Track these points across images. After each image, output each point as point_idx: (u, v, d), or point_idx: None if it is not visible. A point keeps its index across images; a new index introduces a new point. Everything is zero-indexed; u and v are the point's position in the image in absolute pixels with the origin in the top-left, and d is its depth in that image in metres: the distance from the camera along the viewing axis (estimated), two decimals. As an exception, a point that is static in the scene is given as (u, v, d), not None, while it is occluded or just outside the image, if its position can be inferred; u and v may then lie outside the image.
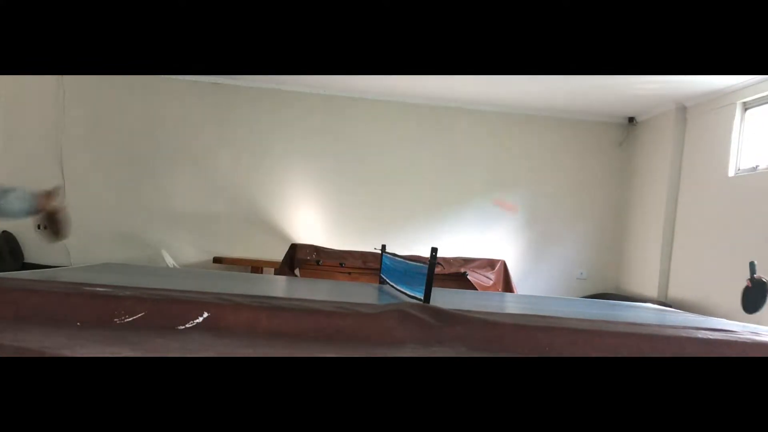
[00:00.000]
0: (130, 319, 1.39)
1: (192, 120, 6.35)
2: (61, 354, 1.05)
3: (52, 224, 2.13)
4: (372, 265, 4.55)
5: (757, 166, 4.90)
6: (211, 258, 6.14)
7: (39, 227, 2.15)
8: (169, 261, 5.69)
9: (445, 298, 2.25)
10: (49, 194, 2.09)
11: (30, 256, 6.04)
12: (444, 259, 4.72)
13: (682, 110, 5.81)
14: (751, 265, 2.97)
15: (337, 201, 6.49)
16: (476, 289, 4.63)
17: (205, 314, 1.41)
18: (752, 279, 2.94)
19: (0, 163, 6.02)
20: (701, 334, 1.63)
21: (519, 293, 4.95)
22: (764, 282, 2.89)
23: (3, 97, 6.03)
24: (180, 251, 6.20)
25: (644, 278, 6.08)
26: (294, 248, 4.84)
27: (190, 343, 1.25)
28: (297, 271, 4.76)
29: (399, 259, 2.64)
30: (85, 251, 6.00)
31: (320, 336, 1.41)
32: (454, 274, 4.75)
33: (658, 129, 6.13)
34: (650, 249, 6.02)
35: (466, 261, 4.92)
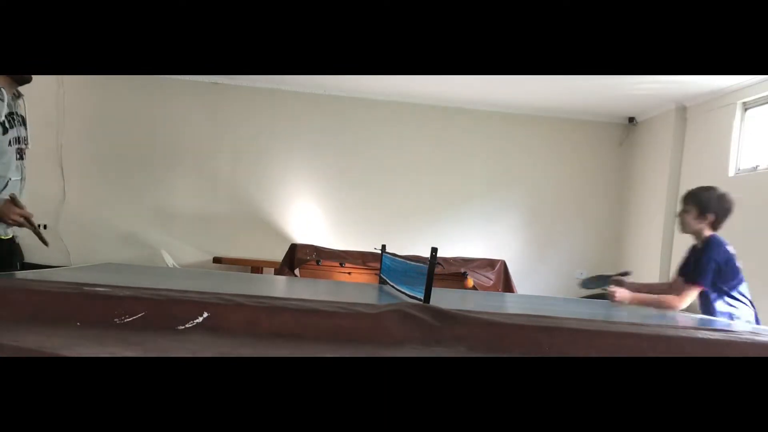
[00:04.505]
0: (130, 319, 1.38)
1: (192, 120, 6.35)
2: (60, 354, 1.05)
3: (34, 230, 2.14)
4: (372, 265, 4.55)
5: (757, 166, 4.90)
6: (211, 258, 6.14)
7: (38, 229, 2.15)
8: (169, 261, 5.68)
9: (445, 298, 2.24)
10: (13, 201, 2.10)
11: (30, 256, 6.01)
12: (444, 259, 4.72)
13: (682, 110, 5.81)
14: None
15: (337, 201, 6.49)
16: (476, 289, 4.63)
17: (205, 314, 1.41)
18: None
19: None
20: (701, 334, 1.63)
21: (519, 293, 4.95)
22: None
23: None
24: (180, 251, 6.20)
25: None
26: (294, 248, 4.84)
27: (190, 343, 1.25)
28: (297, 271, 4.75)
29: (399, 259, 2.64)
30: (85, 251, 6.02)
31: (320, 336, 1.41)
32: (454, 274, 4.75)
33: (658, 129, 6.13)
34: (650, 249, 6.02)
35: (466, 261, 4.92)
